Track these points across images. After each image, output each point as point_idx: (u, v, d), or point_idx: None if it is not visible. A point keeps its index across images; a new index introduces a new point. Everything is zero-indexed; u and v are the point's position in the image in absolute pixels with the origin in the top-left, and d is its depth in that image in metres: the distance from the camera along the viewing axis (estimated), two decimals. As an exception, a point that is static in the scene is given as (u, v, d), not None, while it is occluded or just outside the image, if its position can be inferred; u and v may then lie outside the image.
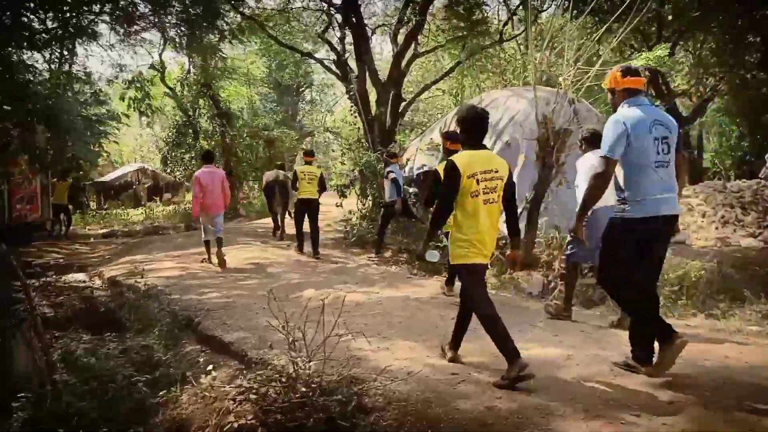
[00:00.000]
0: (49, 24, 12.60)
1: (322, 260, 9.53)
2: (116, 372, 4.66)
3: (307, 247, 9.91)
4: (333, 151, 29.81)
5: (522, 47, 17.89)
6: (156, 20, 13.85)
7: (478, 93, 14.62)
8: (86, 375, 4.67)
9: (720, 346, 4.69)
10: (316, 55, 20.16)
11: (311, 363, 3.72)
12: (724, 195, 10.16)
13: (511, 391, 3.62)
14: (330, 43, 17.54)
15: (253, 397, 3.66)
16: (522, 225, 8.63)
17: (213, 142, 20.87)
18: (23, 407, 4.44)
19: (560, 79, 8.40)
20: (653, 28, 16.01)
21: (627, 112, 3.78)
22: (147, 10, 13.50)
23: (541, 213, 8.39)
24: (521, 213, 8.91)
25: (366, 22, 16.56)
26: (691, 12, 14.34)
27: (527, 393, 3.60)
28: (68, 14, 12.46)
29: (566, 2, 11.26)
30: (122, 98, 13.85)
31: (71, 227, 16.04)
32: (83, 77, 14.70)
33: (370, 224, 11.21)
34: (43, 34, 11.86)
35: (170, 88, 21.56)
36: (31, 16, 11.83)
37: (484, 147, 4.06)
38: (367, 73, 15.13)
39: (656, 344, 3.83)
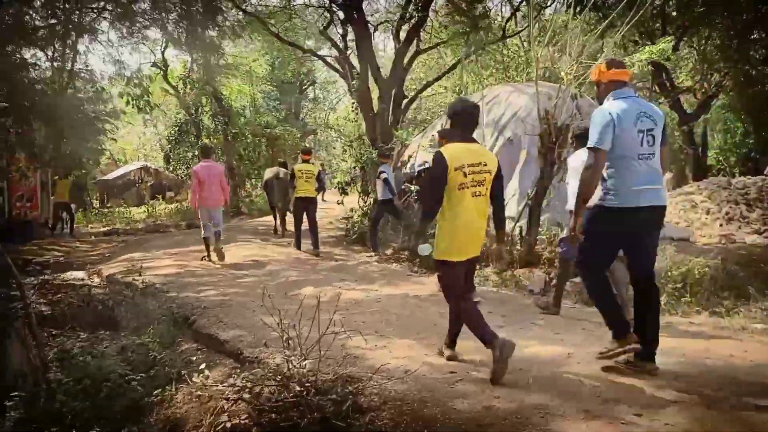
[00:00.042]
0: (51, 21, 12.60)
1: (322, 258, 9.48)
2: (111, 371, 4.62)
3: (306, 246, 9.85)
4: (334, 148, 29.73)
5: (525, 44, 17.79)
6: (156, 16, 13.80)
7: (480, 89, 14.51)
8: (80, 374, 4.63)
9: (724, 344, 4.62)
10: (319, 53, 20.11)
11: (306, 362, 3.66)
12: (728, 192, 10.06)
13: (511, 390, 3.55)
14: (332, 40, 17.47)
15: (246, 396, 3.61)
16: (524, 222, 8.64)
17: (215, 140, 20.87)
18: (16, 406, 4.42)
19: (562, 74, 8.32)
20: (657, 25, 15.89)
21: (613, 104, 3.78)
22: (147, 6, 13.47)
23: (543, 209, 8.31)
24: (523, 209, 8.86)
25: (368, 18, 16.51)
26: (695, 7, 14.22)
27: (526, 392, 3.53)
28: (69, 12, 12.44)
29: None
30: (121, 95, 13.82)
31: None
32: (85, 75, 14.73)
33: (371, 222, 11.15)
34: (43, 30, 11.84)
35: (173, 86, 21.54)
36: (33, 14, 11.83)
37: (473, 140, 4.05)
38: (369, 70, 15.06)
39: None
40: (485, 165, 3.91)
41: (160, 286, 7.30)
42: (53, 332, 6.02)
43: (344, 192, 13.51)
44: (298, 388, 3.47)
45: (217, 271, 8.44)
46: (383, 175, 9.45)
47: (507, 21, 17.02)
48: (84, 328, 6.16)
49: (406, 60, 15.61)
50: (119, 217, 19.81)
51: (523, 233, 8.39)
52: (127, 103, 13.71)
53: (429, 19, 16.01)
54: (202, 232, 8.94)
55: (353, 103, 15.29)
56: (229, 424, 3.51)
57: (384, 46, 35.30)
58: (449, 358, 4.18)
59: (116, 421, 4.29)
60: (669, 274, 6.41)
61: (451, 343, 4.24)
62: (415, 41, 15.85)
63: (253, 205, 20.21)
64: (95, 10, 13.93)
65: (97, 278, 8.66)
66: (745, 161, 19.34)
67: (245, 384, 3.69)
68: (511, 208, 10.04)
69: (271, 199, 12.14)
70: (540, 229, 8.36)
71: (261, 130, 22.03)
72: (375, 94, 15.48)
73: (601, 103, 3.90)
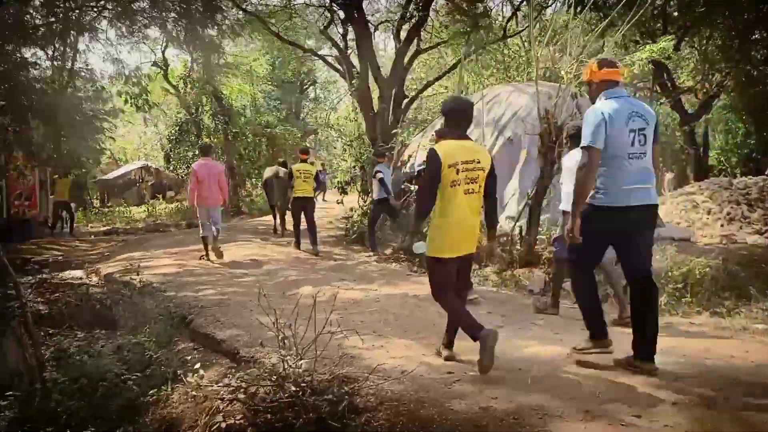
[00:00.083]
0: (51, 20, 12.58)
1: (321, 257, 9.46)
2: (107, 370, 4.59)
3: (306, 245, 9.83)
4: (335, 148, 29.70)
5: (525, 43, 17.76)
6: (156, 15, 13.77)
7: (480, 89, 14.49)
8: (77, 373, 4.60)
9: (725, 344, 4.58)
10: (319, 52, 20.08)
11: (302, 361, 3.63)
12: (729, 192, 10.03)
13: (509, 391, 3.51)
14: (332, 40, 17.43)
15: (242, 396, 3.58)
16: (524, 221, 8.60)
17: (216, 140, 20.87)
18: (11, 405, 4.38)
19: (562, 73, 8.29)
20: (658, 24, 15.86)
21: (605, 103, 3.77)
22: (147, 4, 13.44)
23: (543, 209, 8.27)
24: (523, 209, 8.82)
25: (369, 18, 16.47)
26: (696, 7, 14.19)
27: (525, 393, 3.49)
28: (69, 10, 12.42)
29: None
30: (119, 94, 13.81)
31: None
32: (85, 74, 14.71)
33: (369, 222, 11.14)
34: (43, 29, 11.82)
35: (173, 86, 21.52)
36: (33, 13, 11.81)
37: (467, 138, 4.04)
38: (369, 70, 15.02)
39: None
40: (479, 162, 3.90)
41: (158, 285, 7.26)
42: (50, 331, 5.99)
43: (344, 191, 13.48)
44: (293, 388, 3.44)
45: (215, 270, 8.40)
46: (379, 175, 9.52)
47: (508, 21, 16.99)
48: (81, 327, 6.13)
49: (406, 59, 15.57)
50: (119, 217, 19.81)
51: (523, 233, 8.35)
52: (126, 101, 13.70)
53: (429, 18, 15.96)
54: (201, 231, 8.91)
55: (354, 103, 15.25)
56: (224, 425, 3.47)
57: (384, 45, 35.21)
58: (447, 359, 4.14)
59: (112, 420, 4.26)
60: (670, 274, 6.38)
61: (449, 343, 4.20)
62: (415, 41, 15.79)
63: (253, 205, 20.20)
64: (95, 9, 13.92)
65: (95, 277, 8.63)
66: (746, 161, 19.33)
67: (240, 384, 3.66)
68: (511, 207, 10.04)
69: (270, 198, 12.14)
70: (540, 229, 8.32)
71: (261, 130, 22.04)
72: (375, 94, 15.45)
73: (593, 103, 3.90)
